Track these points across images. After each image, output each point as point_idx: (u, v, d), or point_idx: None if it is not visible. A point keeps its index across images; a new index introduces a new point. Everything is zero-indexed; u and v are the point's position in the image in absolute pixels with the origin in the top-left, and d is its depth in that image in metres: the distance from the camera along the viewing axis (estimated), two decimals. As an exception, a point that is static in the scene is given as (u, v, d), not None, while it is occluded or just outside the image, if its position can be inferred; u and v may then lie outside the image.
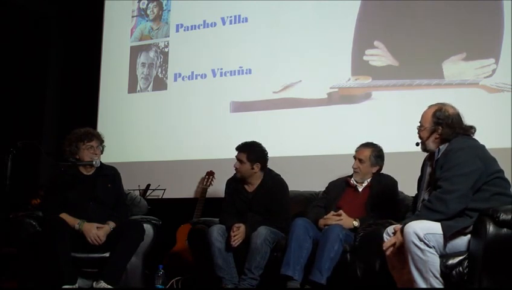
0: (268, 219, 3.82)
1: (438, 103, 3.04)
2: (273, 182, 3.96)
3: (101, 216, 3.69)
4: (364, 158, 3.77)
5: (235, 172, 4.04)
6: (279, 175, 4.00)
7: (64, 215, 3.62)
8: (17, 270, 3.78)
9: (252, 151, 3.92)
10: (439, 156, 2.95)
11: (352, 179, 3.85)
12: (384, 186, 3.71)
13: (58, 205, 3.66)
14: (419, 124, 3.06)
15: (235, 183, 4.03)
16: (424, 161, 3.15)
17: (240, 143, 3.99)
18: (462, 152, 2.84)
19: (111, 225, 3.67)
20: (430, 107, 3.06)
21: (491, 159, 2.90)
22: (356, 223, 3.56)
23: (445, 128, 2.94)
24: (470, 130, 2.98)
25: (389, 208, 3.60)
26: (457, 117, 2.98)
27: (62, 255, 3.43)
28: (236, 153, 3.95)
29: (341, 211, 3.63)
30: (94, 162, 3.73)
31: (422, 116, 3.05)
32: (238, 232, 3.67)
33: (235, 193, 4.00)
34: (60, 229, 3.48)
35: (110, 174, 3.88)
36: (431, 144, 3.01)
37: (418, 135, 3.06)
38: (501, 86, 4.05)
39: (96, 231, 3.59)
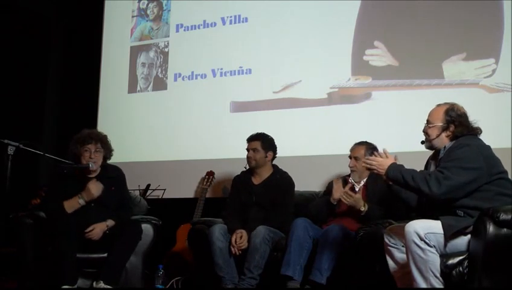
0: (270, 215, 3.84)
1: (447, 102, 3.05)
2: (282, 177, 4.04)
3: (102, 219, 3.68)
4: (360, 156, 3.79)
5: (233, 172, 4.09)
6: (287, 173, 4.07)
7: (65, 204, 3.62)
8: (17, 270, 3.78)
9: (265, 140, 4.06)
10: (443, 154, 2.96)
11: (351, 178, 3.86)
12: (381, 186, 3.70)
13: (62, 203, 3.66)
14: (426, 122, 3.05)
15: (243, 177, 4.12)
16: (428, 159, 3.15)
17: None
18: (467, 148, 2.85)
19: (109, 222, 3.66)
20: (439, 105, 3.05)
21: (496, 159, 2.91)
22: (363, 208, 3.58)
23: (458, 127, 2.96)
24: (477, 130, 2.99)
25: (388, 207, 3.60)
26: (467, 117, 3.00)
27: (68, 256, 3.42)
28: (247, 145, 4.08)
29: (359, 193, 3.68)
30: (90, 166, 3.73)
31: (431, 114, 3.05)
32: (242, 241, 3.69)
33: (242, 185, 4.07)
34: (70, 230, 3.48)
35: (114, 176, 3.87)
36: (439, 142, 3.01)
37: (424, 133, 3.06)
38: (501, 86, 4.05)
39: (91, 184, 3.65)
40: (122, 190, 3.90)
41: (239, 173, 4.21)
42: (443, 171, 2.81)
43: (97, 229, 3.61)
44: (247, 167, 4.11)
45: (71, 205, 3.64)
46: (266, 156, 4.04)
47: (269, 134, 4.14)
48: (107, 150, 3.87)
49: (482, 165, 2.81)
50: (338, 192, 3.69)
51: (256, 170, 4.06)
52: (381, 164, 2.92)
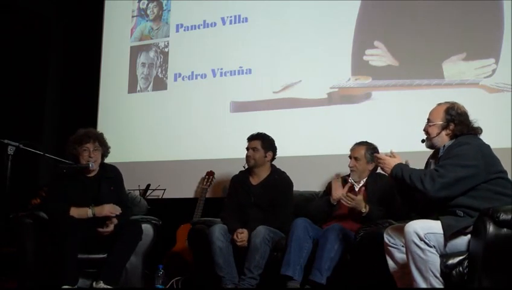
0: (270, 216, 3.84)
1: (447, 101, 3.06)
2: (280, 177, 4.03)
3: (101, 219, 3.69)
4: (360, 156, 3.80)
5: (233, 172, 4.11)
6: (285, 173, 4.06)
7: (73, 210, 3.63)
8: (17, 270, 3.78)
9: (265, 139, 4.06)
10: (443, 153, 2.96)
11: (350, 178, 3.86)
12: (380, 186, 3.71)
13: (64, 204, 3.65)
14: (427, 121, 3.06)
15: (241, 177, 4.11)
16: (428, 159, 3.15)
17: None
18: (467, 146, 2.86)
19: (113, 220, 3.67)
20: (439, 104, 3.06)
21: (495, 159, 2.91)
22: (364, 210, 3.58)
23: (458, 125, 2.96)
24: (477, 129, 3.00)
25: (388, 207, 3.60)
26: (467, 116, 3.01)
27: (69, 256, 3.43)
28: (247, 144, 4.08)
29: (360, 195, 3.68)
30: (90, 165, 3.74)
31: (431, 113, 3.06)
32: (242, 237, 3.71)
33: (240, 185, 4.06)
34: (72, 230, 3.49)
35: (112, 176, 3.87)
36: (439, 141, 3.01)
37: (424, 132, 3.06)
38: (501, 86, 4.05)
39: (109, 205, 3.64)
40: (120, 190, 3.91)
41: (237, 173, 4.20)
42: (438, 169, 2.83)
43: (112, 225, 3.64)
44: (246, 167, 4.11)
45: (79, 213, 3.64)
46: (266, 156, 4.04)
47: (269, 134, 4.14)
48: (105, 148, 3.88)
49: (480, 163, 2.81)
50: (337, 191, 3.69)
51: (254, 170, 4.06)
52: (388, 162, 2.95)
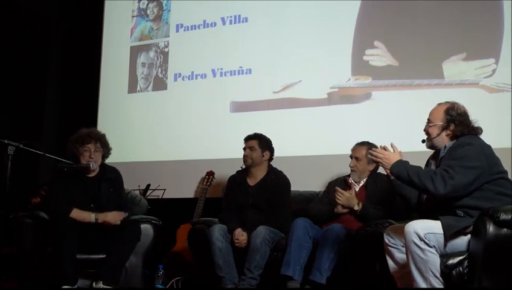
0: (268, 217, 3.84)
1: (448, 101, 3.05)
2: (277, 176, 4.02)
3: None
4: (361, 156, 3.80)
5: (233, 172, 4.11)
6: (282, 172, 4.05)
7: (76, 212, 3.62)
8: (17, 270, 3.78)
9: (262, 139, 4.06)
10: (444, 153, 2.96)
11: (350, 178, 3.86)
12: (380, 186, 3.71)
13: (64, 203, 3.65)
14: (427, 121, 3.06)
15: (238, 177, 4.09)
16: (428, 160, 3.15)
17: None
18: (469, 147, 2.85)
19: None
20: (440, 104, 3.05)
21: (496, 159, 2.91)
22: (357, 207, 3.59)
23: (458, 126, 2.96)
24: (477, 130, 2.99)
25: (388, 207, 3.60)
26: (467, 116, 3.00)
27: (68, 256, 3.43)
28: (244, 144, 4.08)
29: (352, 191, 3.69)
30: (91, 165, 3.74)
31: (432, 113, 3.05)
32: (241, 240, 3.71)
33: (237, 186, 4.05)
34: (71, 230, 3.48)
35: (113, 177, 3.87)
36: (440, 141, 3.01)
37: (425, 132, 3.06)
38: (501, 86, 4.05)
39: (112, 213, 3.65)
40: (120, 192, 3.91)
41: (234, 173, 4.19)
42: (448, 170, 2.80)
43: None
44: (243, 167, 4.11)
45: (81, 215, 3.62)
46: (263, 156, 4.03)
47: (269, 134, 4.14)
48: (106, 149, 3.88)
49: (484, 164, 2.81)
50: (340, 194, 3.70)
51: (251, 170, 4.05)
52: (388, 158, 2.92)
